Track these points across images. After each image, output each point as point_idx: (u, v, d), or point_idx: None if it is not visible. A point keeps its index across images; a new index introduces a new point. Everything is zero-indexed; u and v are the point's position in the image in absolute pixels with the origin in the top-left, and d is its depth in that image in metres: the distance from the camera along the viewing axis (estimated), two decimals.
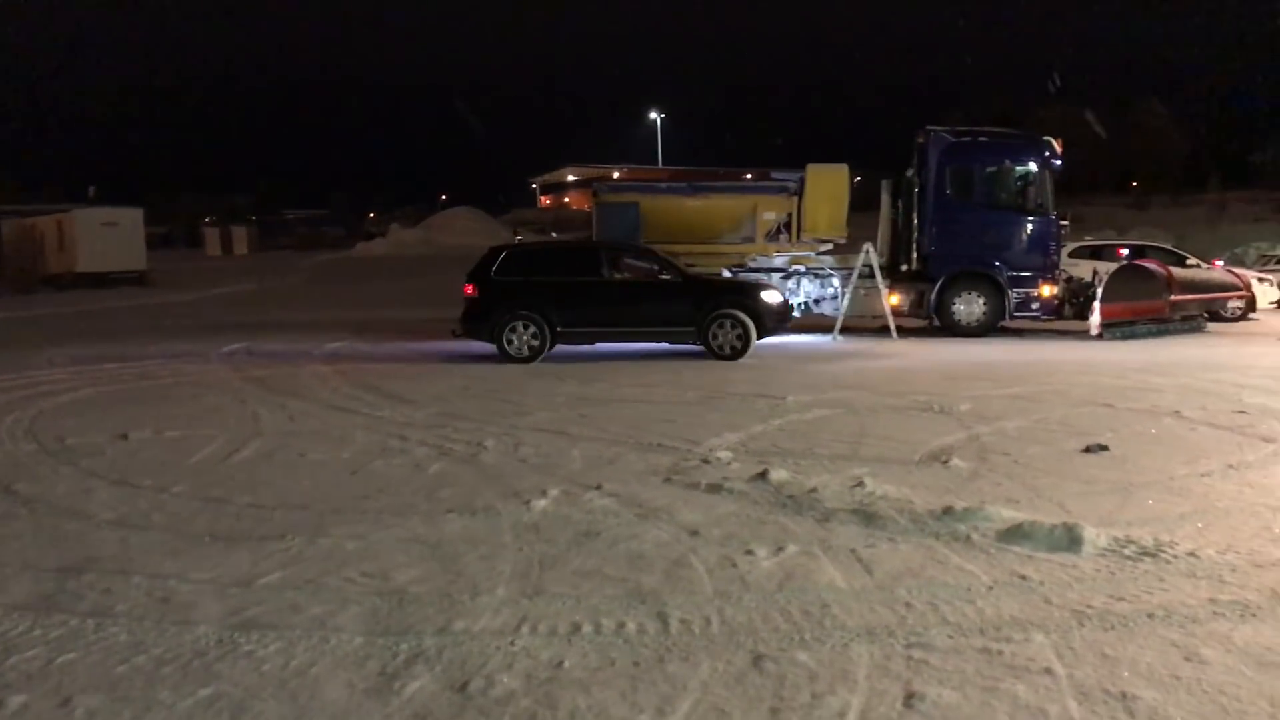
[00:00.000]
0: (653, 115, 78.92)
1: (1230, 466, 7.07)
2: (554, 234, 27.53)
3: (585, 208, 18.58)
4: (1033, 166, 17.29)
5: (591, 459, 7.50)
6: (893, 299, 17.43)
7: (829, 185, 17.96)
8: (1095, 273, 17.69)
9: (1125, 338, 16.56)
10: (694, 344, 14.15)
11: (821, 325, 17.85)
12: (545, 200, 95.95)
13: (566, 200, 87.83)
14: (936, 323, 17.64)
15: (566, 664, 3.84)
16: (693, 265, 17.40)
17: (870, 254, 17.24)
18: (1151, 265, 18.12)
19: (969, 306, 17.35)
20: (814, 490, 6.30)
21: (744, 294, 14.42)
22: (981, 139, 18.09)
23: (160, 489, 6.76)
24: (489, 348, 14.19)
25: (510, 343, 14.08)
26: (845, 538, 5.39)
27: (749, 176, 18.92)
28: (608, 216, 17.95)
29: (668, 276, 14.39)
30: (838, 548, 5.21)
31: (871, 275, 17.21)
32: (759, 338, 14.05)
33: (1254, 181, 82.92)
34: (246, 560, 5.18)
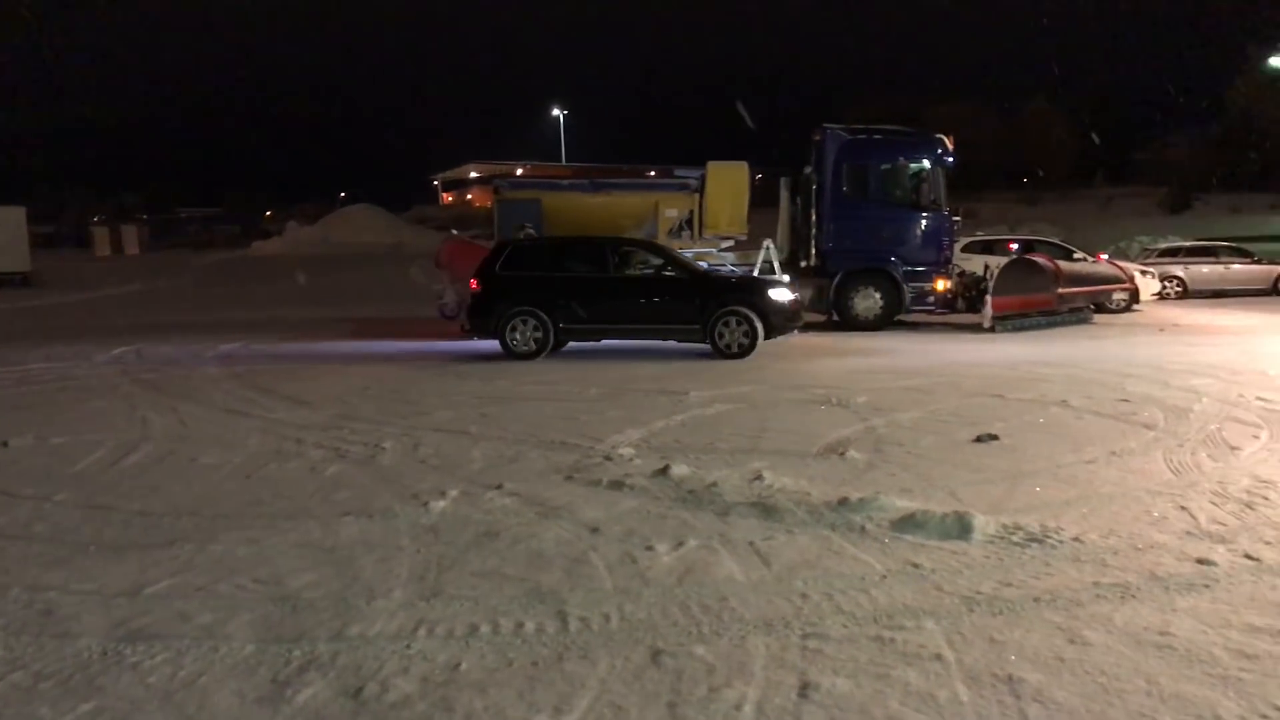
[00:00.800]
0: (556, 112, 78.67)
1: (1113, 453, 7.32)
2: (453, 231, 27.18)
3: (487, 205, 18.40)
4: (926, 164, 17.69)
5: (492, 458, 7.45)
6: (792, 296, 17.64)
7: (730, 182, 18.11)
8: (987, 267, 18.16)
9: (1016, 330, 17.04)
10: (701, 342, 13.84)
11: None
12: (447, 197, 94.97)
13: (469, 197, 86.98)
14: (835, 317, 17.93)
15: (464, 666, 3.80)
16: None
17: (770, 250, 17.45)
18: (1040, 259, 18.67)
19: (866, 301, 17.68)
20: (714, 485, 6.34)
21: (751, 291, 14.03)
22: (876, 137, 18.43)
23: (42, 498, 6.51)
24: (394, 347, 14.00)
25: (513, 339, 13.93)
26: (744, 531, 5.44)
27: (652, 174, 18.98)
28: (509, 213, 17.84)
29: (673, 272, 14.08)
30: (737, 541, 5.26)
31: (772, 271, 17.40)
32: (767, 336, 13.75)
33: (1137, 178, 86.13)
34: (134, 569, 5.01)
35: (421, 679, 3.70)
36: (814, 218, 18.12)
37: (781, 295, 14.13)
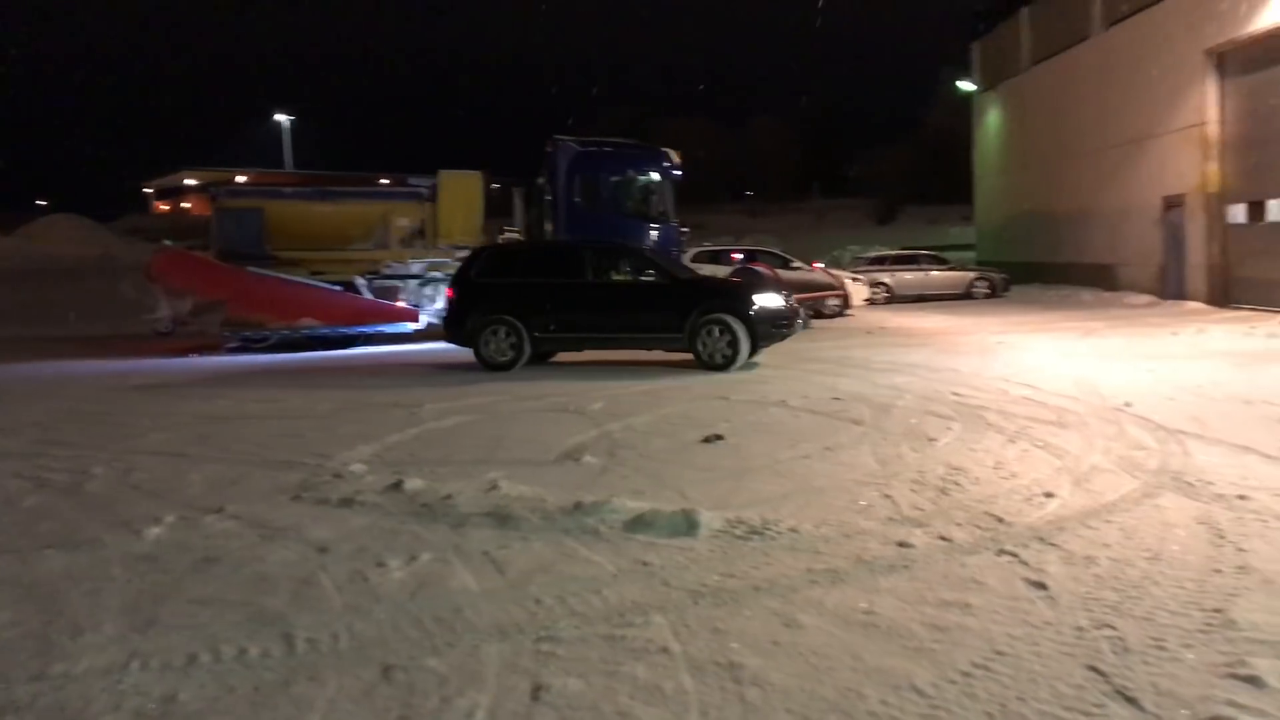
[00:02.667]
0: (280, 118, 75.52)
1: (826, 449, 7.81)
2: (166, 242, 25.59)
3: (206, 214, 17.51)
4: (655, 176, 18.30)
5: (213, 481, 7.08)
6: None
7: (462, 191, 18.09)
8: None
9: None
10: (685, 351, 13.05)
11: None
12: (161, 206, 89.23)
13: (186, 206, 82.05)
14: None
15: (181, 697, 3.60)
16: (322, 273, 16.94)
17: None
18: (762, 268, 19.69)
19: None
20: (449, 497, 6.30)
21: (734, 297, 13.11)
22: (607, 149, 18.91)
23: None
24: (104, 367, 13.03)
25: (487, 350, 13.30)
26: (479, 541, 5.44)
27: (385, 182, 18.64)
28: (227, 223, 17.07)
29: (653, 278, 13.34)
30: (471, 552, 5.25)
31: None
32: (754, 346, 12.93)
33: (849, 191, 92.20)
34: None
35: (134, 713, 3.48)
36: (547, 227, 18.35)
37: (770, 301, 13.27)
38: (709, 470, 7.12)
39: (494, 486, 6.49)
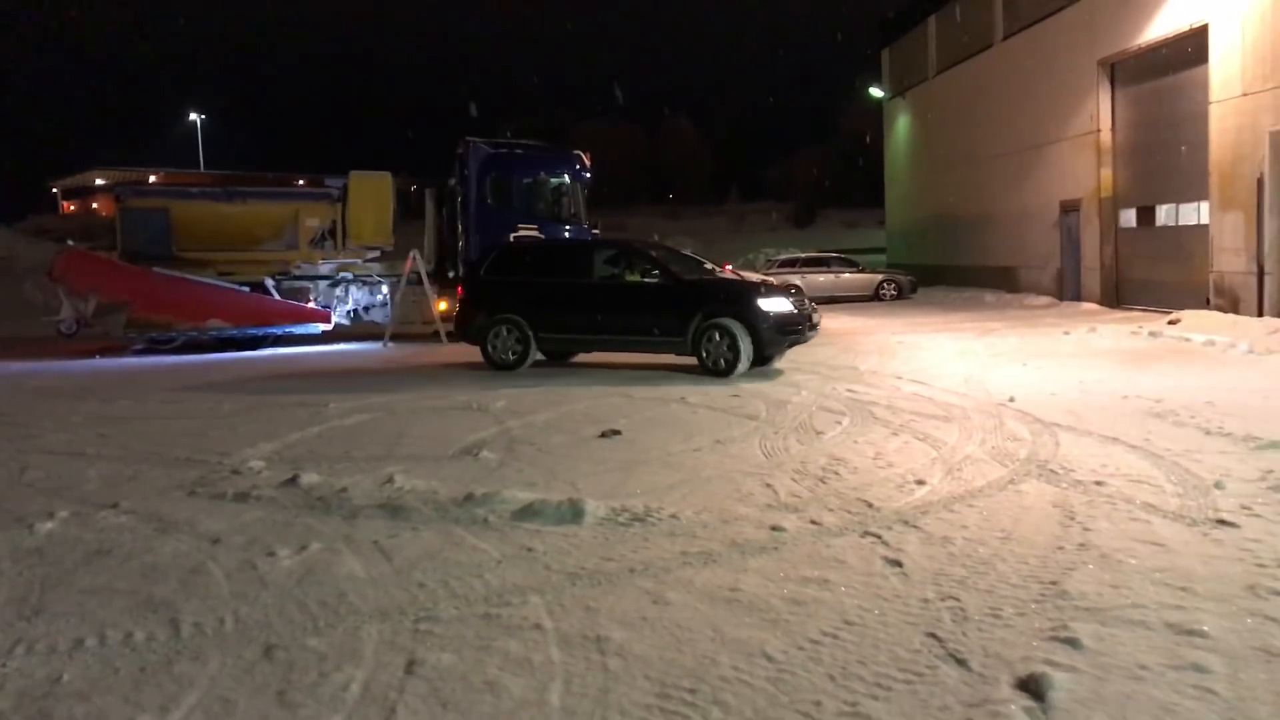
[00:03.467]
0: (193, 117, 74.19)
1: (718, 441, 8.11)
2: (70, 242, 25.07)
3: (113, 214, 17.29)
4: (566, 178, 18.49)
5: (109, 478, 7.13)
6: (442, 305, 17.85)
7: (373, 192, 18.09)
8: None
9: None
10: (690, 356, 12.40)
11: (372, 333, 17.92)
12: (69, 206, 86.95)
13: (95, 206, 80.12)
14: None
15: (66, 678, 3.73)
16: (231, 274, 16.84)
17: (417, 261, 17.57)
18: None
19: None
20: (344, 490, 6.45)
21: (737, 301, 12.35)
22: (518, 151, 19.06)
23: None
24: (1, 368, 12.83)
25: (493, 348, 13.16)
26: (369, 531, 5.61)
27: (301, 182, 18.58)
28: (132, 223, 16.88)
29: (657, 279, 12.72)
30: (361, 541, 5.42)
31: (420, 282, 17.52)
32: (757, 352, 12.18)
33: (767, 194, 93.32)
34: None
35: (18, 694, 3.60)
36: (460, 229, 18.43)
37: (776, 305, 12.39)
38: (602, 463, 7.36)
39: (389, 480, 6.65)
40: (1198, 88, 18.82)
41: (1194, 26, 18.76)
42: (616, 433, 8.48)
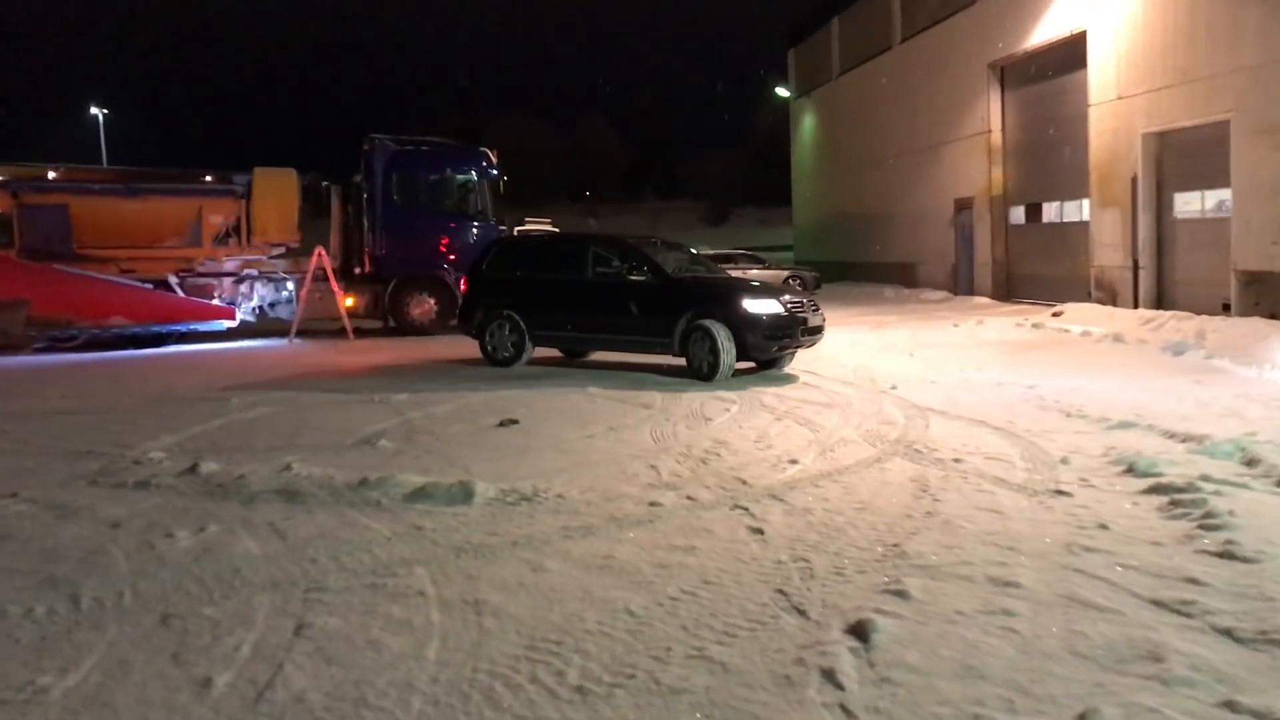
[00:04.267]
0: (95, 111, 72.30)
1: (611, 429, 8.49)
2: None
3: (9, 210, 16.97)
4: (473, 175, 18.73)
5: (9, 470, 7.24)
6: (348, 301, 17.96)
7: (278, 189, 18.10)
8: None
9: None
10: (678, 355, 11.79)
11: (278, 329, 17.96)
12: None
13: None
14: (392, 322, 18.46)
15: None
16: (134, 271, 16.75)
17: (323, 258, 17.64)
18: None
19: (421, 306, 18.39)
20: (242, 477, 6.68)
21: (721, 302, 11.62)
22: (424, 148, 19.23)
23: None
24: None
25: (490, 344, 13.02)
26: (266, 514, 5.86)
27: (209, 178, 18.40)
28: (31, 219, 16.65)
29: (645, 277, 12.08)
30: (257, 523, 5.67)
31: (325, 279, 17.60)
32: (742, 357, 11.44)
33: (684, 193, 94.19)
34: None
35: None
36: (366, 226, 18.55)
37: (764, 307, 11.53)
38: (497, 450, 7.69)
39: (287, 468, 6.89)
40: (1079, 91, 19.78)
41: (1074, 32, 19.71)
42: (515, 421, 8.81)
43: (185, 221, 17.87)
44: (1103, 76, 18.77)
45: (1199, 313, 15.59)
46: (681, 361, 11.83)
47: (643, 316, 11.99)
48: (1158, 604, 4.15)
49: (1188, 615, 4.01)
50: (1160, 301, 17.63)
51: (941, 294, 25.48)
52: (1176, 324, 15.07)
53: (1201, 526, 5.16)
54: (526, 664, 3.70)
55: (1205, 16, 15.95)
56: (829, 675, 3.53)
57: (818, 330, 12.14)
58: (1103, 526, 5.27)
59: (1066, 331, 16.32)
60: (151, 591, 4.57)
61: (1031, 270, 22.83)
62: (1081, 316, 17.55)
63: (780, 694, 3.42)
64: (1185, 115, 16.64)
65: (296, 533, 5.47)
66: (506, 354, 12.94)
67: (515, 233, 16.45)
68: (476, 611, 4.24)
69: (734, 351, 11.31)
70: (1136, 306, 17.66)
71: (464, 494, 6.09)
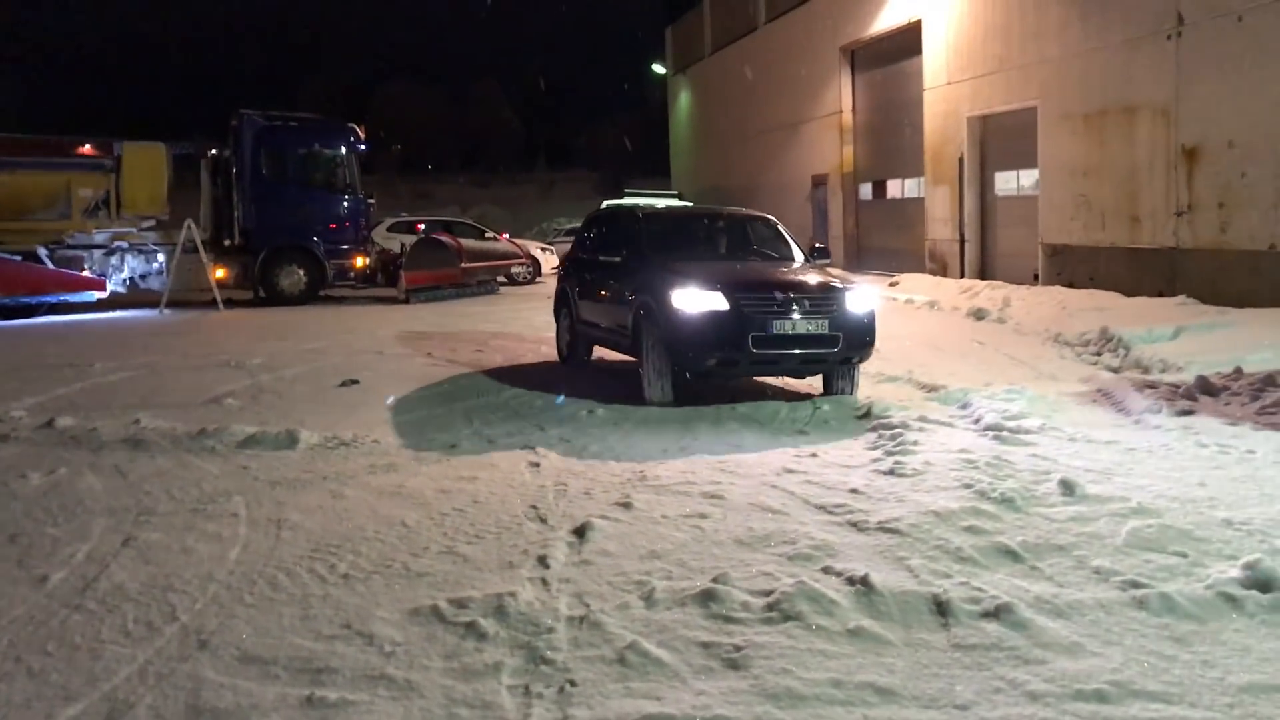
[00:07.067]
0: None
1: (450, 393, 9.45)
2: None
3: None
4: (341, 150, 19.39)
5: None
6: (219, 272, 18.45)
7: (146, 162, 18.50)
8: (403, 245, 20.25)
9: (429, 300, 19.26)
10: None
11: (149, 300, 18.39)
12: None
13: None
14: (262, 293, 19.03)
15: None
16: (1, 243, 17.03)
17: (192, 230, 18.09)
18: (445, 238, 21.14)
19: (291, 277, 19.00)
20: (94, 430, 7.46)
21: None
22: (292, 124, 19.79)
23: None
24: None
25: (558, 339, 11.18)
26: (112, 459, 6.68)
27: (87, 148, 18.56)
28: None
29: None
30: (104, 466, 6.50)
31: (195, 250, 18.07)
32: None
33: (577, 164, 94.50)
34: None
35: None
36: (236, 198, 19.04)
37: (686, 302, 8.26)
38: (333, 406, 8.59)
39: (136, 422, 7.68)
40: (917, 76, 21.22)
41: (911, 21, 21.13)
42: (355, 382, 9.69)
43: (54, 195, 18.16)
44: (935, 63, 20.22)
45: (1014, 282, 17.14)
46: None
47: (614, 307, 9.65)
48: (820, 507, 5.32)
49: (834, 514, 5.19)
50: (983, 272, 19.22)
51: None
52: (990, 293, 16.58)
53: (889, 453, 6.37)
54: (308, 561, 4.67)
55: (1018, 11, 17.44)
56: (542, 560, 4.58)
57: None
58: (813, 455, 6.46)
59: (895, 300, 17.76)
60: (2, 520, 5.40)
61: (878, 243, 24.37)
62: (913, 286, 19.05)
63: (499, 573, 4.46)
64: (1002, 101, 18.17)
65: (137, 473, 6.32)
66: (564, 350, 11.00)
67: (603, 205, 14.05)
68: (278, 527, 5.19)
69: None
70: (963, 276, 19.22)
71: (290, 440, 7.00)
